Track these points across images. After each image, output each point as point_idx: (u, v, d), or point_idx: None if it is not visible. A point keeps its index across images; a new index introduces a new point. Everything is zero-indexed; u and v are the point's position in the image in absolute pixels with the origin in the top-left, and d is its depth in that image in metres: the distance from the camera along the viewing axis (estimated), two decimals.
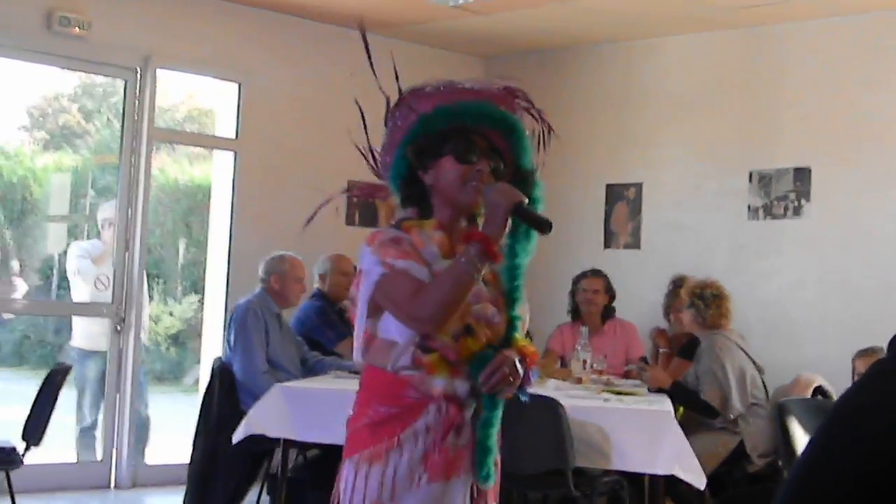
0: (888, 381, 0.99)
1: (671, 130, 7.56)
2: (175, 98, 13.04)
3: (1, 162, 11.38)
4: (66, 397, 5.89)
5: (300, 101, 7.54)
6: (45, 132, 13.08)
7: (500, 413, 2.64)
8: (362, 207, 7.67)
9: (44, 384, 5.19)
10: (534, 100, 2.83)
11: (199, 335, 7.70)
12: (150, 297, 7.71)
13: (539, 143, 2.78)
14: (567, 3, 6.95)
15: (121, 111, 7.05)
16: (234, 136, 7.38)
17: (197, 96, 12.83)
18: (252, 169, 7.34)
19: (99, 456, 6.83)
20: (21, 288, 8.76)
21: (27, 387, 5.93)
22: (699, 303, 5.63)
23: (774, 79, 7.14)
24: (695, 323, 5.70)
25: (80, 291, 7.18)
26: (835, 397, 5.22)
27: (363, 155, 2.79)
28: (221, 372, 5.69)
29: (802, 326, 6.86)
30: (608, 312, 6.64)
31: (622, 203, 7.77)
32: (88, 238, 8.56)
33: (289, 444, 5.04)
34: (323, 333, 6.18)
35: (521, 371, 2.60)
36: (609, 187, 7.82)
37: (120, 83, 7.07)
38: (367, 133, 2.79)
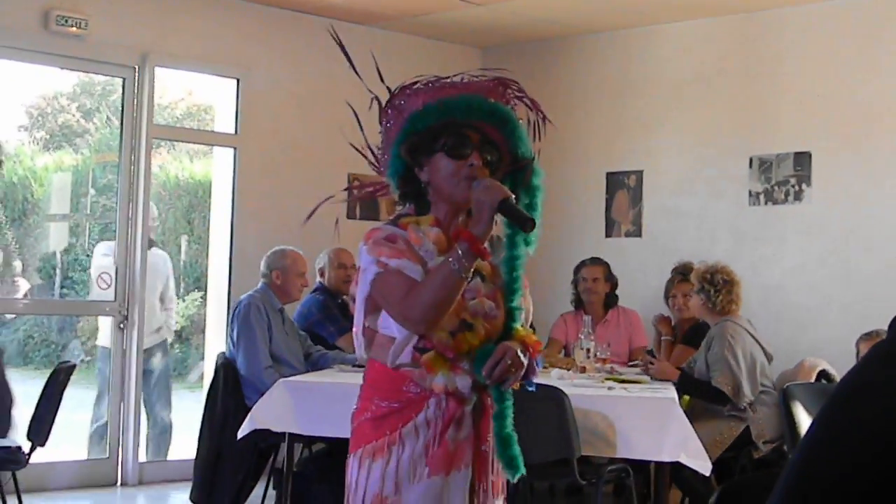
0: (888, 363, 0.99)
1: (671, 117, 7.56)
2: (174, 95, 13.05)
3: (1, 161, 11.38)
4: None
5: (299, 95, 7.54)
6: (44, 132, 13.09)
7: (510, 404, 2.65)
8: (364, 201, 7.66)
9: (48, 383, 5.19)
10: (532, 90, 2.83)
11: (203, 332, 7.71)
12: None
13: (534, 132, 2.78)
14: None
15: (120, 109, 7.05)
16: (233, 132, 7.37)
17: (196, 93, 12.84)
18: (252, 164, 7.34)
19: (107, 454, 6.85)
20: (24, 287, 8.76)
21: (32, 387, 5.95)
22: (709, 288, 5.53)
23: (773, 64, 7.13)
24: (704, 308, 5.60)
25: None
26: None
27: (361, 153, 2.80)
28: (225, 368, 5.69)
29: (805, 311, 6.86)
30: (611, 301, 6.64)
31: (623, 191, 7.76)
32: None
33: (294, 438, 5.05)
34: (324, 328, 6.19)
35: (524, 361, 2.60)
36: (609, 175, 7.82)
37: (118, 81, 7.07)
38: (362, 130, 2.79)
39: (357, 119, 2.82)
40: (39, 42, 6.53)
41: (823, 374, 5.74)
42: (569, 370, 5.57)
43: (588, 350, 5.67)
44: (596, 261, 6.67)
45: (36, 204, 11.06)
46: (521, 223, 2.56)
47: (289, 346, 5.80)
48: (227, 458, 5.55)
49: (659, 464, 4.67)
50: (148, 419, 7.29)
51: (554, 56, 8.06)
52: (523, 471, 2.64)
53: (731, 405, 5.37)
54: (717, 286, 5.53)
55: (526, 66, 7.61)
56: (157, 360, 7.34)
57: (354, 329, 2.67)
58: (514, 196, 2.57)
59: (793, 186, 6.97)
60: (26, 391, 5.87)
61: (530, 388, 2.71)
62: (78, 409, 7.13)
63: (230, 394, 5.62)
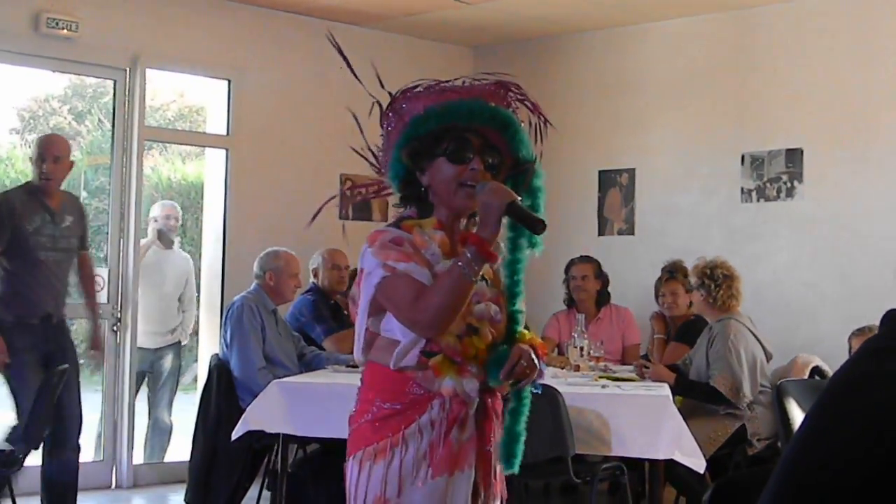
0: (879, 358, 1.00)
1: (662, 115, 7.57)
2: (165, 97, 13.03)
3: None
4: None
5: (291, 96, 7.53)
6: (36, 134, 13.05)
7: (528, 402, 2.68)
8: (359, 202, 7.65)
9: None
10: (524, 89, 2.83)
11: (196, 333, 7.70)
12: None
13: (536, 134, 2.79)
14: None
15: (111, 111, 7.04)
16: (225, 133, 7.37)
17: (187, 94, 12.82)
18: (244, 166, 7.33)
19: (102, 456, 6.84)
20: None
21: None
22: (710, 283, 5.48)
23: (764, 61, 7.14)
24: (705, 304, 5.55)
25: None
26: None
27: (362, 156, 2.79)
28: (219, 369, 5.69)
29: (798, 308, 6.87)
30: (602, 298, 6.64)
31: (615, 189, 7.77)
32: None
33: (288, 439, 5.05)
34: (312, 328, 6.19)
35: (537, 363, 2.62)
36: (602, 174, 7.83)
37: (110, 83, 7.05)
38: (362, 132, 2.78)
39: (357, 122, 2.80)
40: (30, 44, 6.52)
41: (817, 371, 5.75)
42: (563, 368, 5.58)
43: (581, 348, 5.68)
44: (585, 259, 6.68)
45: None
46: (532, 225, 2.56)
47: (282, 347, 5.80)
48: (222, 460, 5.55)
49: (653, 461, 4.68)
50: (148, 420, 7.28)
51: (545, 55, 8.06)
52: (517, 470, 2.65)
53: (727, 405, 5.36)
54: (718, 281, 5.49)
55: (517, 64, 7.60)
56: (167, 362, 7.30)
57: (357, 330, 2.66)
58: (520, 198, 2.58)
59: (785, 183, 6.98)
60: None
61: (536, 391, 2.73)
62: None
63: (224, 395, 5.62)
